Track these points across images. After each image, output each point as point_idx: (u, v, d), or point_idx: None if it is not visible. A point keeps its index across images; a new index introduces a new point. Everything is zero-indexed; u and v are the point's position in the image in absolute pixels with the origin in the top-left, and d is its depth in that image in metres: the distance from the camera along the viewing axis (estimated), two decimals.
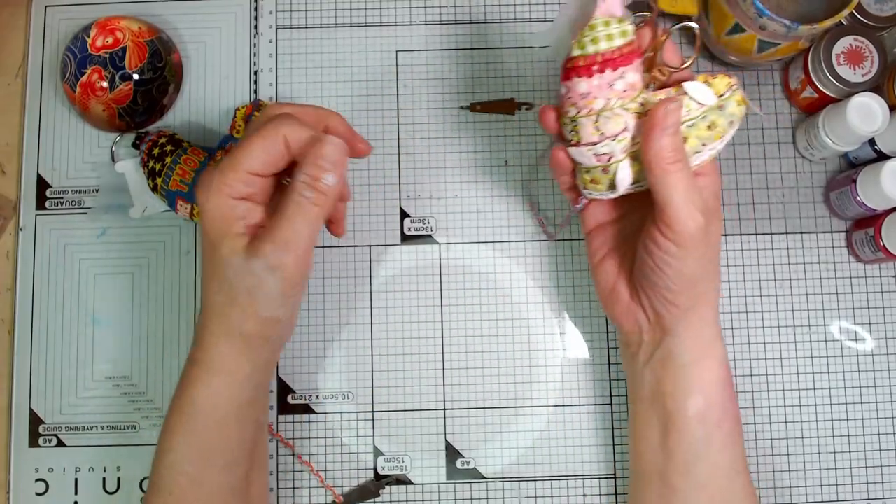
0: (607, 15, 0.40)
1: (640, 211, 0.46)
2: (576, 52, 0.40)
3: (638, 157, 0.41)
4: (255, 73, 0.58)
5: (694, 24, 0.42)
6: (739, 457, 0.45)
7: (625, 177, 0.42)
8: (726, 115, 0.41)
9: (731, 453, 0.44)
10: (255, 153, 0.41)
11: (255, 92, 0.58)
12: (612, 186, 0.42)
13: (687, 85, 0.41)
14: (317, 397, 0.55)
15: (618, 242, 0.47)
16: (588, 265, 0.49)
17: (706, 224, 0.40)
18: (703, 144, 0.41)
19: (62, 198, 0.57)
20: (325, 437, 0.55)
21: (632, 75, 0.40)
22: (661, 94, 0.41)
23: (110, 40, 0.55)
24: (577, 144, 0.42)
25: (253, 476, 0.46)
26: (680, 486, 0.44)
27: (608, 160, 0.41)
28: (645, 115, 0.41)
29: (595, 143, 0.41)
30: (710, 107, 0.41)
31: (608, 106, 0.40)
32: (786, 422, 0.55)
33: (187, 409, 0.44)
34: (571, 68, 0.40)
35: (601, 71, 0.40)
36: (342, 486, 0.54)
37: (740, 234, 0.56)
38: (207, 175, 0.42)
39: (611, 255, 0.47)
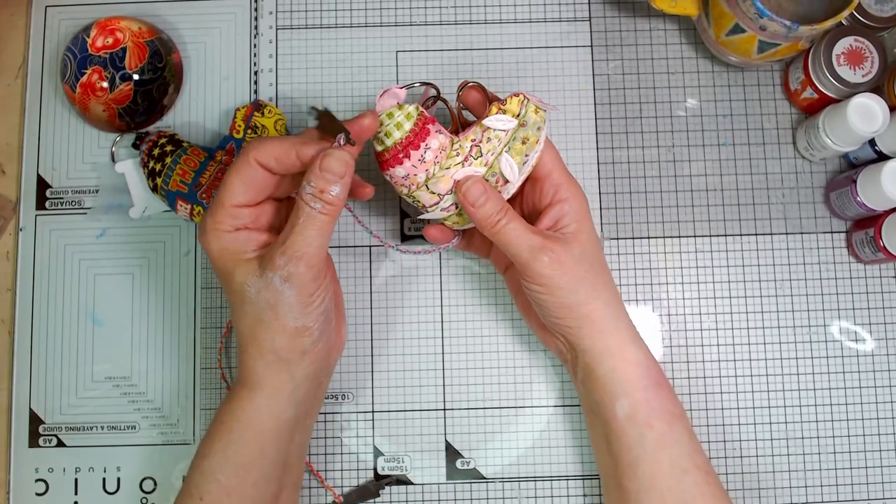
0: (388, 109, 0.45)
1: None
2: (379, 148, 0.45)
3: None
4: (256, 73, 0.58)
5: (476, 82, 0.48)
6: (684, 455, 0.46)
7: None
8: (531, 126, 0.45)
9: (669, 453, 0.45)
10: (232, 186, 0.44)
11: (255, 92, 0.58)
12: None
13: (486, 121, 0.45)
14: None
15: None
16: None
17: (560, 253, 0.44)
18: (526, 156, 0.45)
19: (62, 198, 0.57)
20: (325, 437, 0.55)
21: (434, 141, 0.45)
22: (470, 136, 0.45)
23: (110, 40, 0.55)
24: (426, 208, 0.47)
25: (283, 497, 0.47)
26: (630, 489, 0.46)
27: (456, 207, 0.47)
28: (480, 142, 0.45)
29: (437, 203, 0.46)
30: (515, 128, 0.45)
31: (430, 174, 0.45)
32: (786, 422, 0.55)
33: (227, 420, 0.45)
34: (383, 162, 0.46)
35: (407, 155, 0.44)
36: (342, 487, 0.54)
37: (740, 235, 0.56)
38: (203, 219, 0.44)
39: (521, 294, 0.51)
